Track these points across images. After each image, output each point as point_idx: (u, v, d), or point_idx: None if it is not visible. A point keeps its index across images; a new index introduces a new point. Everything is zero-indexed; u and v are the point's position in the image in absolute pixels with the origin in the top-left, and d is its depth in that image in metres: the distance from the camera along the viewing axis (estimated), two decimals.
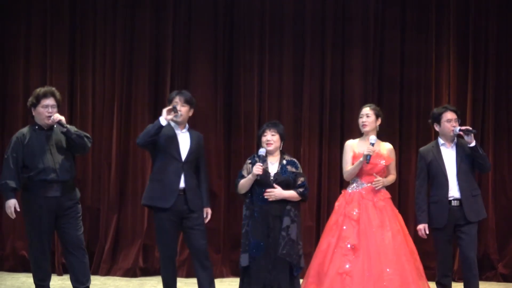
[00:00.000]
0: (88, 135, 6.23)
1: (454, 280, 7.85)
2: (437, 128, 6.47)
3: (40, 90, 6.12)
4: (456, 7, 8.62)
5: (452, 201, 6.29)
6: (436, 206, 6.34)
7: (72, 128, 6.11)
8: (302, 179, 6.07)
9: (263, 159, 5.99)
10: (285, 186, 5.99)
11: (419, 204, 6.39)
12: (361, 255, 6.09)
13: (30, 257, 6.22)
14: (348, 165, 6.42)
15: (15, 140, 6.09)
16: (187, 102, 6.21)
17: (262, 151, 6.02)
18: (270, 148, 6.06)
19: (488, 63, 8.60)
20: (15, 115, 8.50)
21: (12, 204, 5.99)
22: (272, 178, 5.99)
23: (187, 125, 6.27)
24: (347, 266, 6.07)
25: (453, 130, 6.32)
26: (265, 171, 5.99)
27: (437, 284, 6.42)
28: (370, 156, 6.24)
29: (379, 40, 8.67)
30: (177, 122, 6.18)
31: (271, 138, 6.05)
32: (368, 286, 6.00)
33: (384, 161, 6.39)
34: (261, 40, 8.67)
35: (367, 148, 6.26)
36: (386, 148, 6.50)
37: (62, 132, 6.04)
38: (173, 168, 6.08)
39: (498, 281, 8.37)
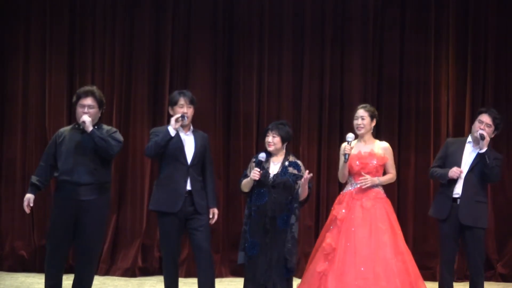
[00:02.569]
0: (118, 139, 6.07)
1: (454, 280, 7.85)
2: (472, 125, 6.45)
3: (80, 89, 6.10)
4: (456, 7, 8.64)
5: (457, 199, 6.28)
6: (441, 197, 6.39)
7: (106, 128, 6.04)
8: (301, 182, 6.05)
9: (260, 163, 5.99)
10: (283, 188, 5.98)
11: (433, 173, 6.45)
12: (337, 254, 6.09)
13: (45, 258, 6.07)
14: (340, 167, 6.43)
15: (53, 137, 6.12)
16: (192, 102, 6.17)
17: (262, 156, 6.03)
18: (270, 149, 6.08)
19: (487, 63, 8.62)
20: (14, 114, 8.48)
21: (26, 198, 5.97)
22: (271, 179, 6.00)
23: (191, 127, 6.22)
24: (325, 264, 6.08)
25: (478, 131, 6.28)
26: (266, 171, 6.01)
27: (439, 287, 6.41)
28: (348, 155, 6.20)
29: (379, 40, 8.68)
30: (182, 125, 6.15)
31: (272, 140, 6.06)
32: (342, 285, 5.98)
33: (376, 161, 6.33)
34: (260, 40, 8.67)
35: (344, 147, 6.25)
36: (381, 146, 6.43)
37: (88, 134, 5.93)
38: (179, 173, 6.06)
39: (497, 281, 8.38)
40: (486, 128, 6.27)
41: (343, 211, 6.24)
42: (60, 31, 8.53)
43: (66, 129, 6.15)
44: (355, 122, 6.40)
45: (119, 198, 8.53)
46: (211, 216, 6.26)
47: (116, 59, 8.57)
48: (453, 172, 6.27)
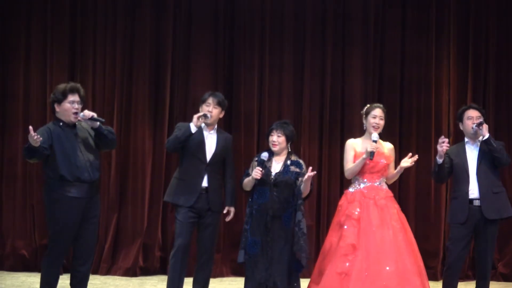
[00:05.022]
0: (113, 130, 6.07)
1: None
2: (461, 127, 6.45)
3: (66, 86, 5.90)
4: (456, 7, 8.64)
5: (473, 200, 6.25)
6: (457, 202, 6.33)
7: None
8: (302, 179, 6.07)
9: (263, 162, 6.05)
10: (285, 186, 6.02)
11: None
12: (360, 254, 6.05)
13: (45, 257, 5.97)
14: (349, 164, 6.39)
15: (45, 128, 5.77)
16: (219, 104, 6.30)
17: (264, 156, 6.09)
18: (275, 149, 6.15)
19: (488, 63, 8.64)
20: (15, 114, 8.48)
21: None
22: (272, 177, 6.03)
23: (216, 126, 6.33)
24: (346, 265, 6.04)
25: (472, 128, 6.29)
26: (268, 170, 6.06)
27: None
28: (374, 152, 6.21)
29: (380, 40, 8.69)
30: (206, 123, 6.25)
31: (277, 140, 6.13)
32: (367, 285, 5.96)
33: (384, 160, 6.38)
34: (261, 39, 8.68)
35: (370, 145, 6.25)
36: (387, 147, 6.50)
37: (94, 128, 5.84)
38: (197, 169, 6.19)
39: (498, 280, 8.38)
40: (481, 120, 6.29)
41: (358, 209, 6.23)
42: (61, 31, 8.53)
43: (53, 126, 5.86)
44: (373, 120, 6.36)
45: (120, 198, 8.53)
46: (225, 212, 6.35)
47: (117, 59, 8.57)
48: (438, 144, 6.19)
